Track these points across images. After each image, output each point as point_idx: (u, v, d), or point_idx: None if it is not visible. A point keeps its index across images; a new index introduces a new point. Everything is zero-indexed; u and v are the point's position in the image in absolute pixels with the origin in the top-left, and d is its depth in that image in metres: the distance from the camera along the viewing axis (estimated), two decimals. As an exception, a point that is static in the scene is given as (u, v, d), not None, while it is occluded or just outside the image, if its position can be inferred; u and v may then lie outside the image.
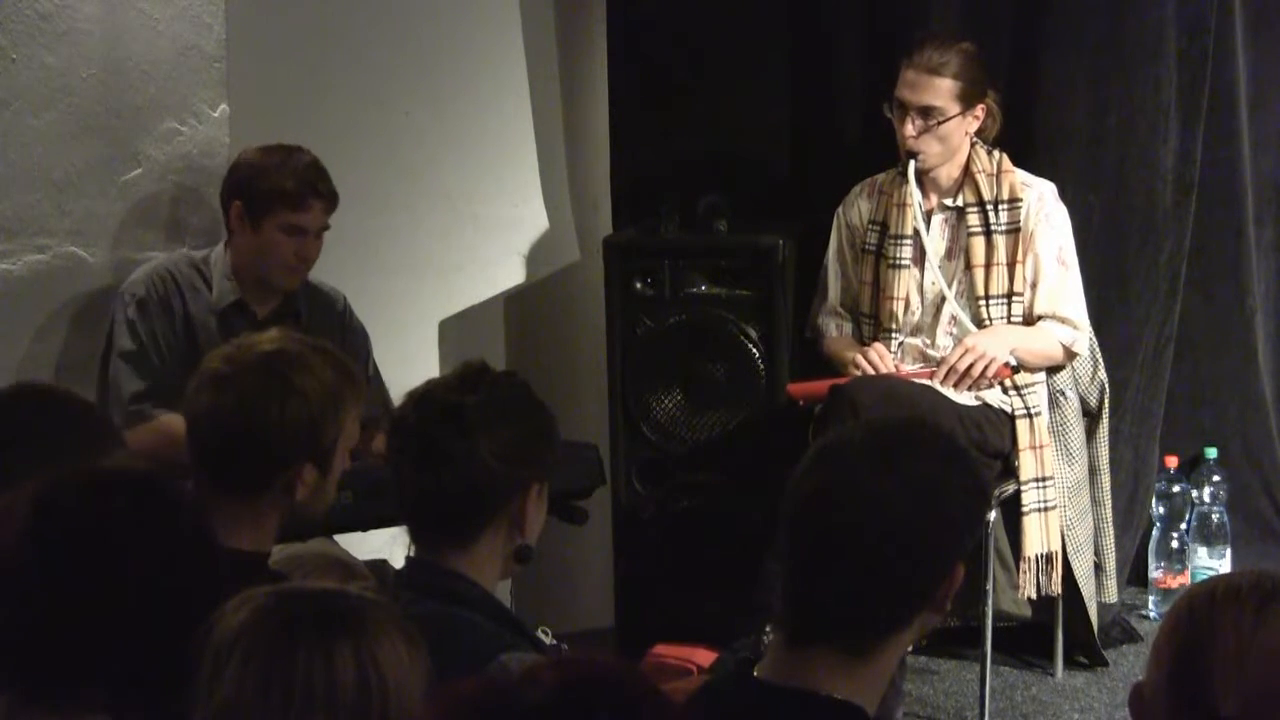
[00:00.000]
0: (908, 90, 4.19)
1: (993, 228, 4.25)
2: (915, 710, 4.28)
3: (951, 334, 4.29)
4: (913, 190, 4.23)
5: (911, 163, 4.20)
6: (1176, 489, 4.89)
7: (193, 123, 4.14)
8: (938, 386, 4.15)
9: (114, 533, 2.04)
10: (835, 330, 4.44)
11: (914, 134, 4.18)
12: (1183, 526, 4.84)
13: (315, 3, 4.58)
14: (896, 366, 4.23)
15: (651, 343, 4.45)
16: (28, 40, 3.81)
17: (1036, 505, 4.18)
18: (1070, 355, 4.32)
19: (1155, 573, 4.80)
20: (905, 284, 4.29)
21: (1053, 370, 4.34)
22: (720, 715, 2.11)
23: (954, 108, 4.19)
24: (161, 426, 3.74)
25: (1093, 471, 4.44)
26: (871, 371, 4.17)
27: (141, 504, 2.07)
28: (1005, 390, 4.21)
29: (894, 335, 4.29)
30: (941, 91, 4.18)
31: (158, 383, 3.81)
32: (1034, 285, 4.26)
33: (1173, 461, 4.87)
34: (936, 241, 4.30)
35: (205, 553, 2.10)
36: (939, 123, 4.18)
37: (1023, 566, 4.20)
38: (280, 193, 3.84)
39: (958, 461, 2.17)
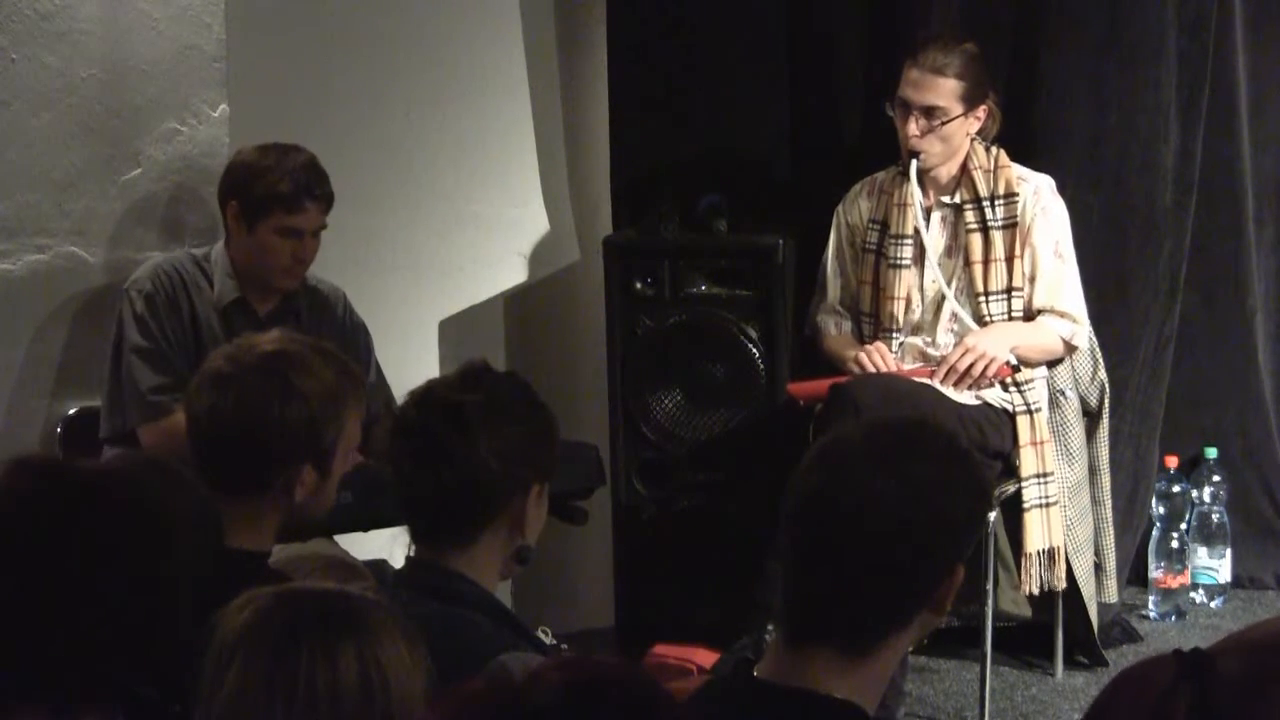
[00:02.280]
0: (911, 90, 4.19)
1: (990, 223, 4.25)
2: (915, 710, 4.28)
3: (953, 331, 4.29)
4: (914, 190, 4.23)
5: (913, 162, 4.20)
6: (1176, 489, 4.88)
7: (193, 123, 4.14)
8: (938, 386, 4.15)
9: (34, 529, 2.03)
10: (834, 329, 4.43)
11: (917, 133, 4.18)
12: (1183, 526, 4.84)
13: (315, 3, 4.58)
14: (897, 366, 4.23)
15: (651, 343, 4.45)
16: (28, 40, 3.81)
17: (1038, 501, 4.18)
18: (1070, 349, 4.32)
19: (1155, 573, 4.80)
20: (906, 283, 4.29)
21: (1052, 365, 4.34)
22: (720, 715, 2.11)
23: (957, 108, 4.19)
24: (178, 424, 3.72)
25: (1093, 471, 4.44)
26: (871, 370, 4.17)
27: (61, 498, 2.06)
28: (1005, 387, 4.21)
29: (894, 335, 4.29)
30: (945, 92, 4.18)
31: (174, 377, 3.80)
32: (1032, 279, 4.26)
33: (1173, 461, 4.87)
34: (936, 239, 4.30)
35: (150, 542, 2.07)
36: (942, 123, 4.18)
37: (1025, 563, 4.20)
38: (275, 195, 3.82)
39: (959, 462, 2.17)
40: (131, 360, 3.81)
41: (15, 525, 2.04)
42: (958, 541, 2.13)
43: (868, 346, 4.25)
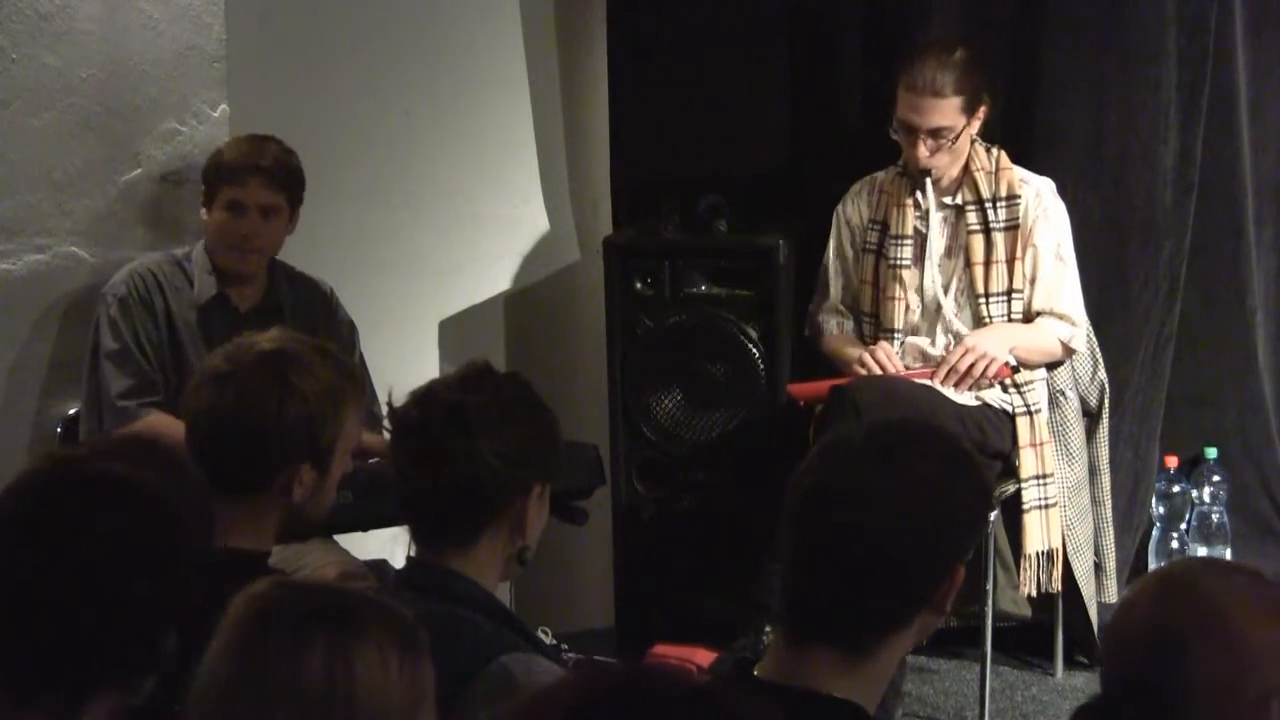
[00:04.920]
0: (915, 115, 4.16)
1: (991, 225, 4.25)
2: (915, 710, 4.28)
3: (951, 333, 4.29)
4: (930, 203, 4.24)
5: (928, 181, 4.21)
6: (1176, 489, 4.88)
7: (193, 123, 4.14)
8: (938, 386, 4.15)
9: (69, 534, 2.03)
10: (836, 328, 4.43)
11: (928, 154, 4.18)
12: (1183, 526, 4.84)
13: (315, 3, 4.58)
14: (902, 366, 4.22)
15: (651, 343, 4.45)
16: (28, 40, 3.81)
17: (1037, 503, 4.18)
18: (1069, 351, 4.32)
19: (1155, 573, 4.79)
20: (906, 284, 4.29)
21: (1052, 366, 4.34)
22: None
23: (961, 121, 4.18)
24: (149, 427, 3.73)
25: (1093, 471, 4.44)
26: (878, 371, 4.16)
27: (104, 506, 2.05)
28: (1005, 389, 4.21)
29: (896, 335, 4.29)
30: (948, 111, 4.16)
31: (142, 380, 3.80)
32: (1032, 281, 4.26)
33: (1173, 461, 4.87)
34: (936, 240, 4.30)
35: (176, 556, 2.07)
36: (951, 141, 4.18)
37: (1023, 564, 4.20)
38: (222, 167, 3.84)
39: (960, 462, 2.17)
40: (105, 366, 3.82)
41: (21, 522, 2.05)
42: (958, 542, 2.13)
43: (872, 347, 4.24)
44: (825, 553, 2.08)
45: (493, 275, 4.88)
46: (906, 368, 4.22)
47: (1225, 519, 4.87)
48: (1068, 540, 4.27)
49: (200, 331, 3.83)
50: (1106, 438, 4.48)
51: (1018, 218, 4.25)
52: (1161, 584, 2.03)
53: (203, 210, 3.89)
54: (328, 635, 1.83)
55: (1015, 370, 4.19)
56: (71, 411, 3.98)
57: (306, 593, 1.92)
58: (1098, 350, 4.45)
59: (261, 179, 3.83)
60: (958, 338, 4.25)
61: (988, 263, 4.25)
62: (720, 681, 2.16)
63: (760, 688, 2.10)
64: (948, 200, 4.30)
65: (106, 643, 2.00)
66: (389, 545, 3.83)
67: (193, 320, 3.87)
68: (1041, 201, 4.26)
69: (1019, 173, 4.29)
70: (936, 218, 4.30)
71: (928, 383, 4.15)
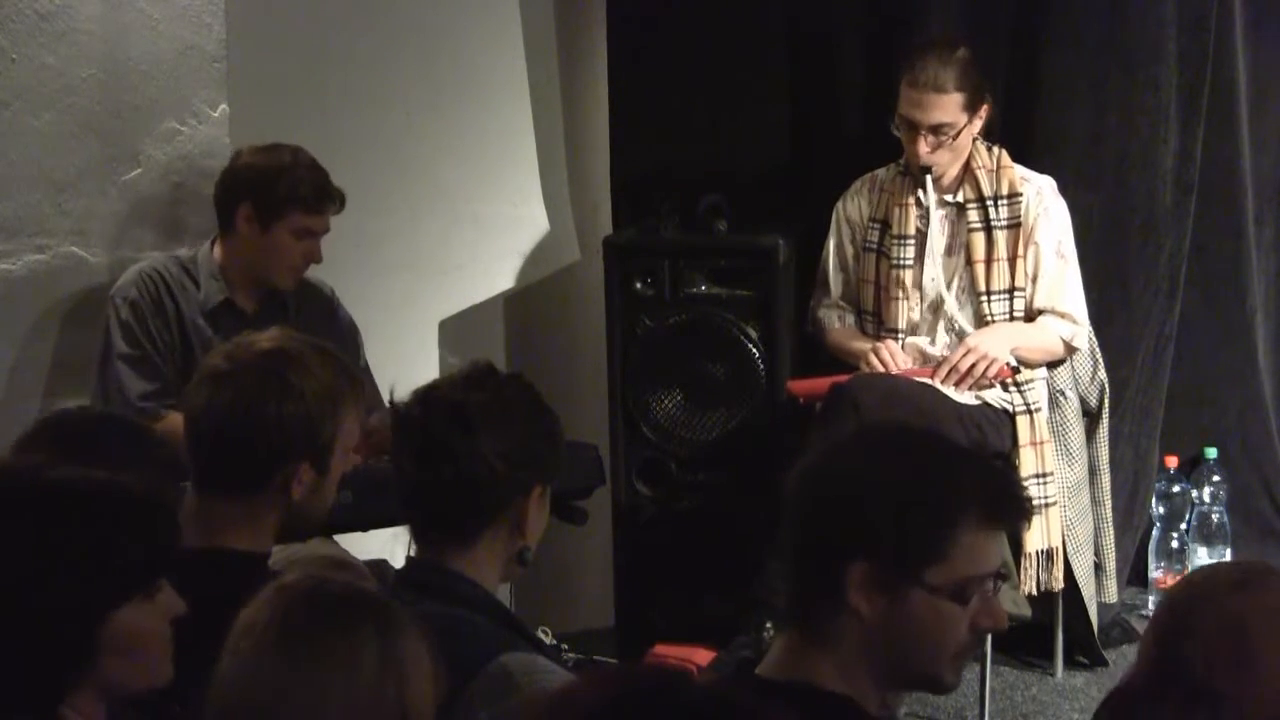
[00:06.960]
0: (916, 111, 4.17)
1: (993, 223, 4.25)
2: (915, 710, 4.28)
3: (952, 332, 4.29)
4: (930, 201, 4.24)
5: (927, 177, 4.21)
6: (1176, 489, 4.89)
7: (193, 123, 4.14)
8: (938, 385, 4.15)
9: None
10: (839, 322, 4.43)
11: (928, 150, 4.18)
12: (1183, 526, 4.84)
13: (315, 3, 4.57)
14: (907, 365, 4.22)
15: (651, 343, 4.45)
16: (28, 40, 3.81)
17: (1037, 501, 4.18)
18: (1070, 350, 4.32)
19: (1155, 573, 4.80)
20: (908, 283, 4.29)
21: (1053, 365, 4.35)
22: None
23: (963, 119, 4.19)
24: (168, 426, 3.73)
25: (1093, 471, 4.44)
26: (881, 369, 4.16)
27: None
28: (1005, 388, 4.21)
29: (899, 335, 4.29)
30: (950, 107, 4.17)
31: (160, 382, 3.82)
32: (1034, 279, 4.26)
33: (1173, 461, 4.87)
34: (937, 238, 4.30)
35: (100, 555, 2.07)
36: (952, 137, 4.18)
37: (1024, 563, 4.19)
38: (297, 197, 3.85)
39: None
40: (119, 368, 3.82)
41: None
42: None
43: (879, 345, 4.24)
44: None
45: (493, 275, 4.88)
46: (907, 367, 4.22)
47: (1225, 519, 4.87)
48: (1068, 540, 4.27)
49: (212, 334, 3.85)
50: (1106, 438, 4.48)
51: (1019, 215, 4.25)
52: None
53: (245, 223, 3.87)
54: (377, 630, 1.85)
55: (1016, 371, 4.19)
56: (71, 411, 3.98)
57: (344, 590, 1.93)
58: (1098, 350, 4.45)
59: (334, 207, 3.90)
60: (961, 336, 4.25)
61: (989, 260, 4.25)
62: (736, 686, 2.16)
63: (762, 687, 2.10)
64: (949, 198, 4.30)
65: (52, 645, 2.00)
66: (389, 545, 3.83)
67: (202, 324, 3.89)
68: (1042, 199, 4.27)
69: (1020, 171, 4.30)
70: (937, 215, 4.31)
71: (928, 382, 4.16)
